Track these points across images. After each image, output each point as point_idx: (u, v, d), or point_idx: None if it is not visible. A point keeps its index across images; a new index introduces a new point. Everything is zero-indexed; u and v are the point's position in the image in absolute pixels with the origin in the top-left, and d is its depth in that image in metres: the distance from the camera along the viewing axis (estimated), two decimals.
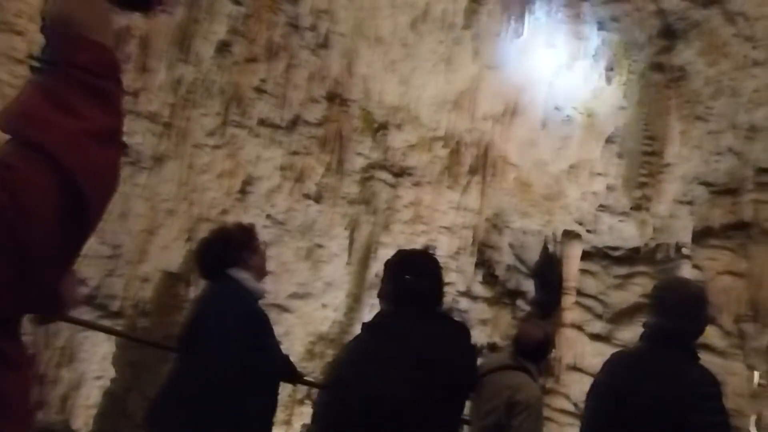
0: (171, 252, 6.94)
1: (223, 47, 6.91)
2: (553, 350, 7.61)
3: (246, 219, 7.43)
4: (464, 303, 7.72)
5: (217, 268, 2.39)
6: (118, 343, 6.78)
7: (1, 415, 0.64)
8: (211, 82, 7.04)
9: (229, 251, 2.39)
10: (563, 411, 7.40)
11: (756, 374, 6.93)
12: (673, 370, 2.07)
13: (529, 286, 7.92)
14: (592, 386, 2.32)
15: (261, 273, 2.40)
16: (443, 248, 7.58)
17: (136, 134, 6.93)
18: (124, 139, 7.14)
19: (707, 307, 2.20)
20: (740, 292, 6.78)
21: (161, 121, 7.00)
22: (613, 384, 2.18)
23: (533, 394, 2.78)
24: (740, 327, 6.81)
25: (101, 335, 6.73)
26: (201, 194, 7.19)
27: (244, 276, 2.34)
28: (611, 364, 2.32)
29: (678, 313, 2.12)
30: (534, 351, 2.91)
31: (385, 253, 7.10)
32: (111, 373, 6.90)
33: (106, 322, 6.60)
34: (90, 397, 6.83)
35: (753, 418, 7.03)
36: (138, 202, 6.89)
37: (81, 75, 0.67)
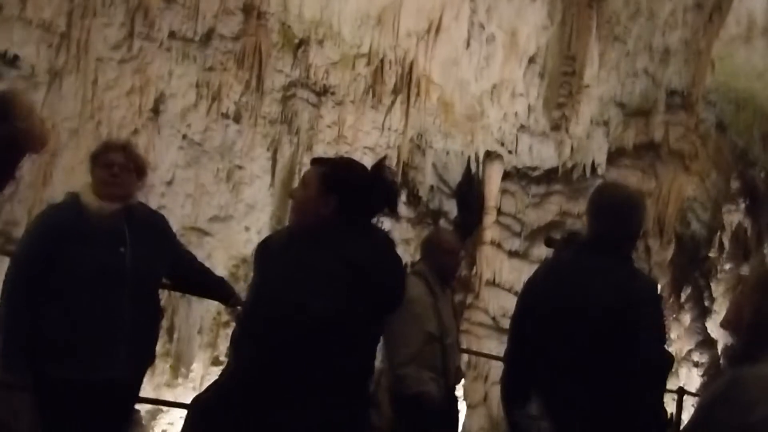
0: (78, 174, 6.49)
1: None
2: (474, 267, 7.91)
3: (159, 140, 7.05)
4: (387, 223, 7.76)
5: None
6: None
7: None
8: None
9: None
10: (482, 324, 7.75)
11: (659, 286, 7.47)
12: (609, 274, 1.99)
13: (451, 206, 8.05)
14: (521, 298, 2.22)
15: (104, 188, 2.26)
16: None
17: (28, 44, 6.29)
18: (15, 50, 6.46)
19: (640, 210, 2.10)
20: (648, 210, 7.16)
21: (57, 30, 6.37)
22: (542, 293, 2.09)
23: (409, 292, 2.86)
24: (646, 242, 7.25)
25: (4, 263, 6.33)
26: (109, 113, 6.71)
27: (83, 189, 2.26)
28: (543, 274, 2.19)
29: (610, 215, 2.04)
30: (423, 253, 2.99)
31: None
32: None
33: (11, 250, 6.20)
34: None
35: None
36: None
37: None
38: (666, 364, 1.90)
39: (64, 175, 6.56)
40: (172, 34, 6.73)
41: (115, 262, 2.23)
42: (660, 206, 7.10)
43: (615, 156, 7.26)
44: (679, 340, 7.33)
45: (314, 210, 1.85)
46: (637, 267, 2.10)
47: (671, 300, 7.37)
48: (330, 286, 1.73)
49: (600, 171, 7.36)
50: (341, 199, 1.81)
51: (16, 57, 6.48)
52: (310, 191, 1.86)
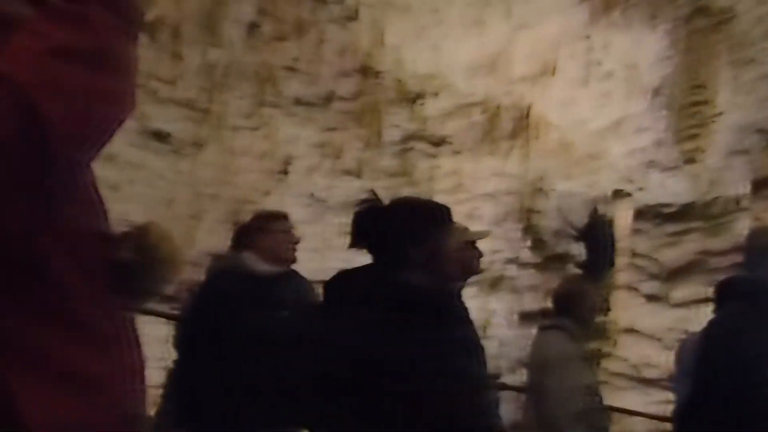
0: (217, 235, 7.09)
1: (252, 28, 6.95)
2: (607, 312, 7.45)
3: (288, 198, 7.52)
4: (512, 270, 7.59)
5: (232, 250, 2.55)
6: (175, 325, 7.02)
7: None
8: (244, 64, 7.10)
9: (241, 235, 2.55)
10: (621, 375, 7.21)
11: None
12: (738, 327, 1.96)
13: (578, 249, 7.72)
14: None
15: (274, 255, 2.42)
16: (487, 216, 7.46)
17: (177, 122, 7.08)
18: (167, 128, 7.31)
19: None
20: None
21: (199, 107, 7.13)
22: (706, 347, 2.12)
23: (559, 349, 2.73)
24: None
25: (160, 318, 6.96)
26: (243, 177, 7.31)
27: (247, 256, 2.41)
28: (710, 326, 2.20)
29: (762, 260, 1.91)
30: (564, 306, 2.84)
31: None
32: (173, 354, 7.17)
33: (162, 306, 6.81)
34: (153, 377, 7.11)
35: None
36: (182, 189, 7.07)
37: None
38: None
39: (205, 236, 7.18)
40: (296, 100, 7.26)
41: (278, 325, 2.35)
42: None
43: (760, 186, 6.61)
44: None
45: None
46: None
47: None
48: None
49: (744, 204, 6.73)
50: None
51: (168, 134, 7.32)
52: None
